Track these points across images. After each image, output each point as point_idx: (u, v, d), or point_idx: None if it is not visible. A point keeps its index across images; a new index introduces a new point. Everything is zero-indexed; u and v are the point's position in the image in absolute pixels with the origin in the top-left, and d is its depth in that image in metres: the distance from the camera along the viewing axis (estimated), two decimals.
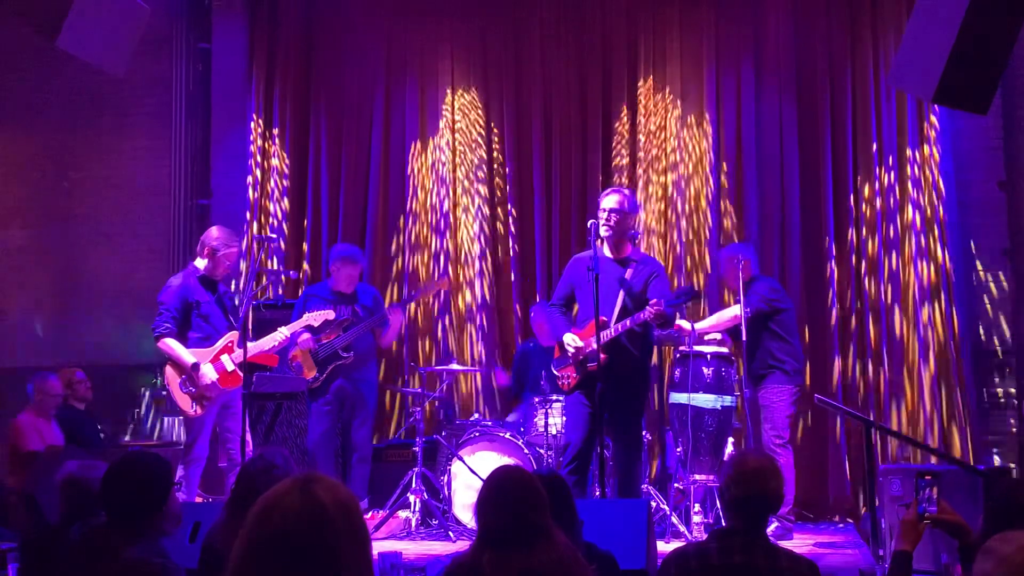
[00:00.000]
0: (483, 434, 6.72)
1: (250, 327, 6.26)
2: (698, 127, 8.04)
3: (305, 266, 8.51)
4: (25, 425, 7.23)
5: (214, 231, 6.51)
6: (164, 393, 6.44)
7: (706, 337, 6.61)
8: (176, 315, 6.26)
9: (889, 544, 5.22)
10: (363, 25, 8.71)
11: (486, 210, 8.33)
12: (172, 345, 6.22)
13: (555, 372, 6.06)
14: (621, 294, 5.82)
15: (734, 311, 6.37)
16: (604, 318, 5.70)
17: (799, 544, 6.13)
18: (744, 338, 6.27)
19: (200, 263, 6.42)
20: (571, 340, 5.84)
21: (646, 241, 7.85)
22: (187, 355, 6.20)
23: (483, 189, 8.36)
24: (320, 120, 8.74)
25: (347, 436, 7.10)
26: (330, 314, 6.70)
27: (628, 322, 5.74)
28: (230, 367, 6.26)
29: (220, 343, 6.31)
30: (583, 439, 5.79)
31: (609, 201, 5.92)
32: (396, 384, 8.04)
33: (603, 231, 5.84)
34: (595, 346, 5.55)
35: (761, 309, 6.35)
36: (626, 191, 6.04)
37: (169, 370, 6.28)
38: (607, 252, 5.93)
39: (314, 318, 6.62)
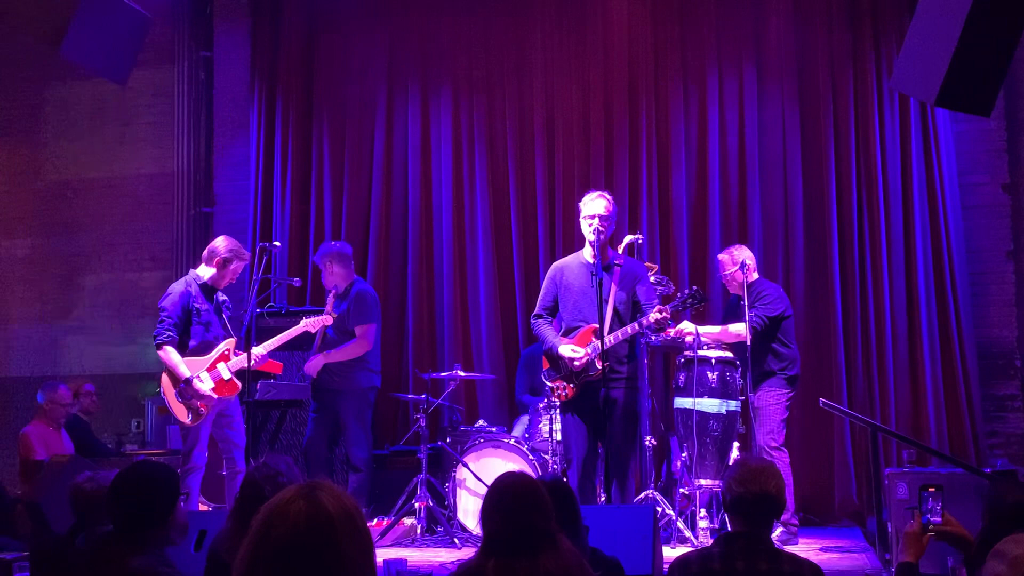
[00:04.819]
0: (488, 440, 6.71)
1: (253, 335, 6.24)
2: (700, 129, 8.05)
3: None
4: (32, 435, 7.26)
5: (224, 241, 6.48)
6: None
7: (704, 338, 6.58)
8: (178, 323, 6.25)
9: (895, 548, 5.21)
10: (365, 31, 8.72)
11: (489, 214, 8.33)
12: (171, 354, 6.21)
13: (548, 384, 6.03)
14: (612, 300, 5.79)
15: (740, 329, 6.34)
16: (599, 326, 5.69)
17: (804, 548, 6.11)
18: (748, 347, 6.25)
19: (204, 271, 6.41)
20: (570, 351, 5.80)
21: (648, 244, 7.85)
22: (183, 367, 6.18)
23: (486, 192, 8.36)
24: (323, 126, 8.75)
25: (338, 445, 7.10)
26: (328, 319, 6.68)
27: (630, 328, 5.72)
28: (227, 375, 6.25)
29: (216, 351, 6.30)
30: (585, 457, 5.80)
31: (597, 207, 5.80)
32: (400, 391, 8.03)
33: (591, 236, 5.79)
34: (597, 354, 5.55)
35: (756, 329, 6.33)
36: (607, 195, 6.00)
37: (165, 379, 6.27)
38: (590, 258, 5.90)
39: (311, 324, 6.61)
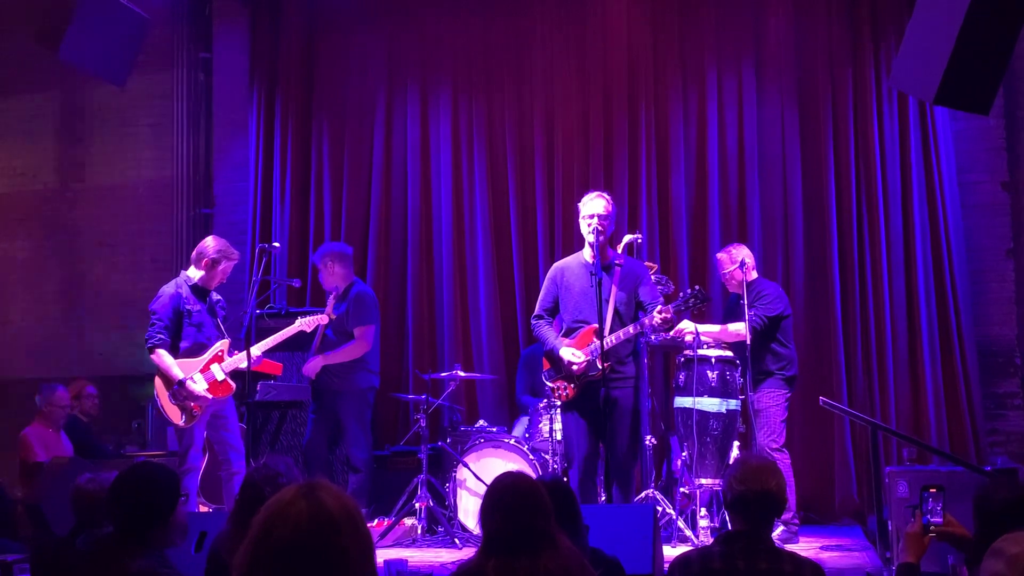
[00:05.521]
0: (488, 441, 6.71)
1: (253, 336, 6.24)
2: (699, 129, 8.04)
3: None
4: (32, 437, 7.26)
5: (212, 242, 6.47)
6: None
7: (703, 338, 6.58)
8: (169, 325, 6.25)
9: (896, 546, 5.21)
10: (364, 32, 8.72)
11: (489, 214, 8.33)
12: (163, 357, 6.21)
13: (548, 384, 6.03)
14: (612, 300, 5.79)
15: (739, 328, 6.33)
16: (598, 326, 5.68)
17: (805, 547, 6.11)
18: (748, 347, 6.25)
19: (194, 272, 6.40)
20: (571, 355, 5.77)
21: (648, 243, 7.84)
22: (176, 369, 6.18)
23: (486, 192, 8.35)
24: (322, 127, 8.75)
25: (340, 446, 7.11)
26: (323, 318, 6.68)
27: (632, 328, 5.72)
28: (220, 376, 6.24)
29: (210, 352, 6.30)
30: (586, 457, 5.79)
31: (596, 206, 5.80)
32: (400, 391, 8.02)
33: (590, 236, 5.78)
34: (598, 355, 5.54)
35: (756, 328, 6.32)
36: (606, 195, 5.99)
37: (158, 381, 6.27)
38: (589, 259, 5.87)
39: (307, 323, 6.61)
